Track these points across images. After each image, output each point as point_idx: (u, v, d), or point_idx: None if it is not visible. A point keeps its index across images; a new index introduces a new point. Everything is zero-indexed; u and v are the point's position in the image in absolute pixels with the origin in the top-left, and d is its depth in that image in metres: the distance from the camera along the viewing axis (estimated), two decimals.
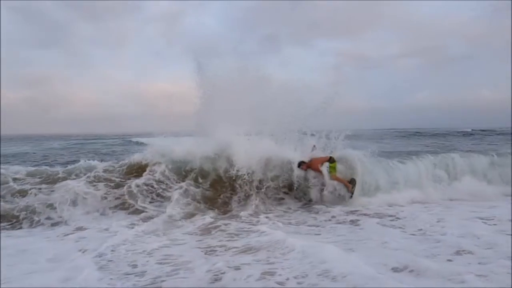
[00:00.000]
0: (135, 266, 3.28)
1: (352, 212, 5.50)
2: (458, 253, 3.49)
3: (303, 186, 6.37)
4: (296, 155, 6.49)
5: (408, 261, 3.21)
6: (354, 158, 6.57)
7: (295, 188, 6.35)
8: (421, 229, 4.39)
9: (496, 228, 4.39)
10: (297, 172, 6.35)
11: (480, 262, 3.19)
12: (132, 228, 4.60)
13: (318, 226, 4.84)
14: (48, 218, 5.04)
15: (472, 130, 32.74)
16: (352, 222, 4.95)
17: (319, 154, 6.61)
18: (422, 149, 12.16)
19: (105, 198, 5.63)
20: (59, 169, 6.04)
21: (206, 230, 4.56)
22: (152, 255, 3.56)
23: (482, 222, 4.74)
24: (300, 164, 6.37)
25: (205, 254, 3.58)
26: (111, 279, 2.98)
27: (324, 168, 6.25)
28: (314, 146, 6.81)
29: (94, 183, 5.87)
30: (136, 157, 6.62)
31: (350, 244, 3.84)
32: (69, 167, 6.33)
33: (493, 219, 4.85)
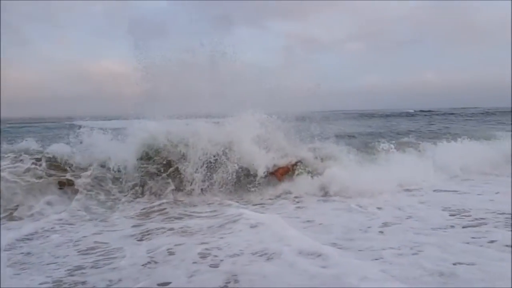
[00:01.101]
0: (56, 256, 2.97)
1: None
2: (386, 224, 3.72)
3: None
4: (265, 157, 5.63)
5: (342, 236, 3.37)
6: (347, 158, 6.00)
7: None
8: (357, 204, 4.59)
9: (420, 200, 4.78)
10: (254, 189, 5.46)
11: (409, 232, 3.39)
12: (60, 213, 4.20)
13: (263, 204, 4.87)
14: None
15: (414, 111, 35.47)
16: (296, 199, 5.06)
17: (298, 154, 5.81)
18: (364, 130, 12.85)
19: (31, 171, 4.85)
20: None
21: (145, 214, 4.36)
22: (78, 244, 3.27)
23: (411, 194, 5.12)
24: (267, 172, 5.57)
25: (138, 240, 3.39)
26: (17, 274, 2.67)
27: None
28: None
29: (21, 158, 5.07)
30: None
31: (290, 221, 3.90)
32: None
33: (420, 190, 5.28)
